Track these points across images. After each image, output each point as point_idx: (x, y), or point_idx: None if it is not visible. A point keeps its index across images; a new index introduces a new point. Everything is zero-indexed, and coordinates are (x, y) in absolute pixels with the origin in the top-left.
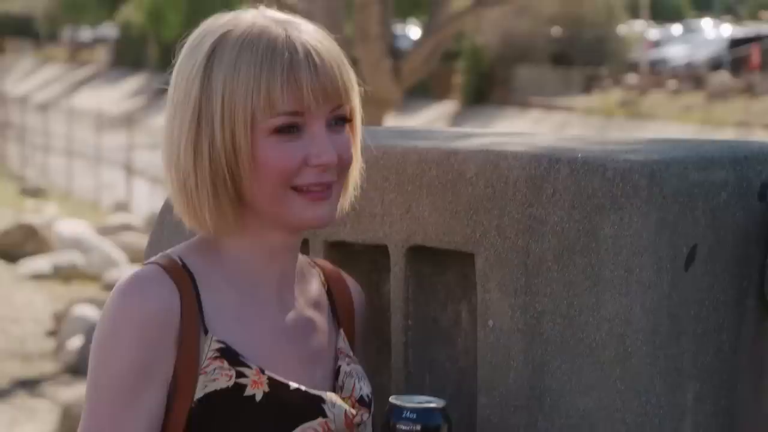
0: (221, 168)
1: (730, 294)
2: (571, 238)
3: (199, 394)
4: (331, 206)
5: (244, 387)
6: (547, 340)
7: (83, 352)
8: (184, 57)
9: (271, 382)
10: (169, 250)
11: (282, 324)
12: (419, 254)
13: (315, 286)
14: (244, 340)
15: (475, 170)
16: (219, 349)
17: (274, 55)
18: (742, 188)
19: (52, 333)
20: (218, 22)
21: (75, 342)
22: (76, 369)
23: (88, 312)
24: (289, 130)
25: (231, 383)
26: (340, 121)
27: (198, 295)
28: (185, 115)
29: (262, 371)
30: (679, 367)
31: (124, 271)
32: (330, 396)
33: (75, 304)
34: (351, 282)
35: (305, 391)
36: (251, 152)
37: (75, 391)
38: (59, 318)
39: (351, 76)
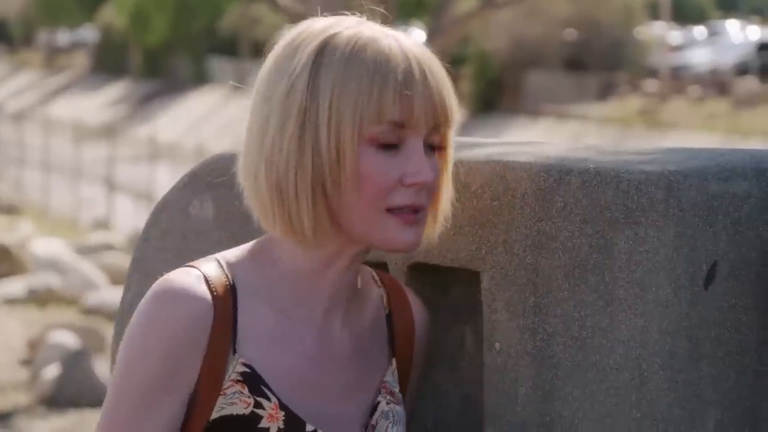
0: (323, 174)
1: (753, 315)
2: (582, 254)
3: (215, 414)
4: (419, 231)
5: (260, 418)
6: (558, 364)
7: (60, 382)
8: (280, 56)
9: (288, 419)
10: (221, 254)
11: (320, 350)
12: (421, 272)
13: (373, 308)
14: (273, 365)
15: (480, 182)
16: (243, 373)
17: (388, 62)
18: (766, 201)
19: (27, 362)
20: (319, 24)
21: (51, 371)
22: (53, 401)
23: (66, 339)
24: (389, 147)
25: (248, 411)
26: (433, 147)
27: (235, 310)
28: (286, 115)
29: (281, 406)
30: (699, 392)
31: (113, 289)
32: None
33: (51, 330)
34: (415, 302)
35: None
36: (356, 160)
37: (51, 425)
38: (34, 345)
39: (455, 102)
